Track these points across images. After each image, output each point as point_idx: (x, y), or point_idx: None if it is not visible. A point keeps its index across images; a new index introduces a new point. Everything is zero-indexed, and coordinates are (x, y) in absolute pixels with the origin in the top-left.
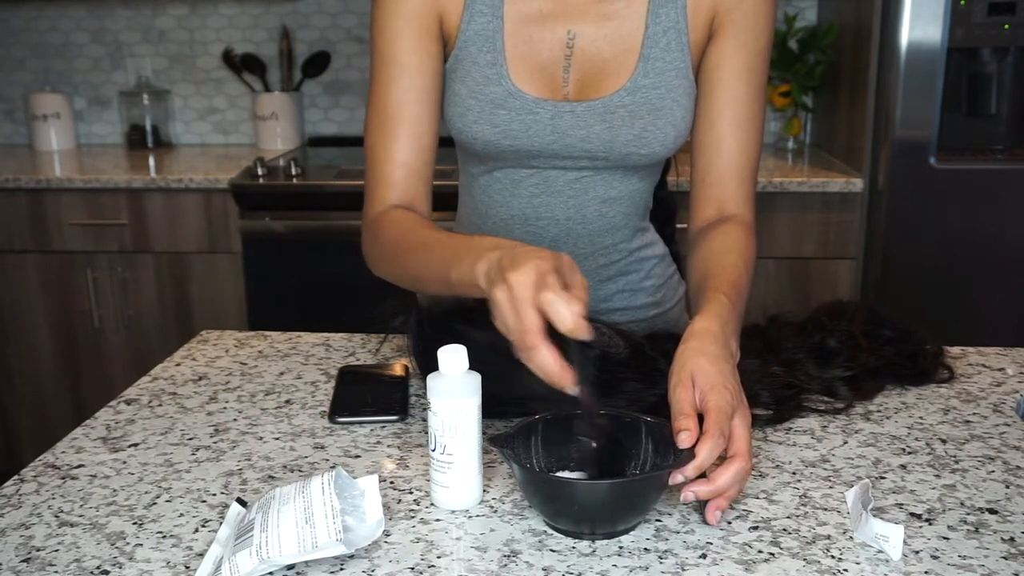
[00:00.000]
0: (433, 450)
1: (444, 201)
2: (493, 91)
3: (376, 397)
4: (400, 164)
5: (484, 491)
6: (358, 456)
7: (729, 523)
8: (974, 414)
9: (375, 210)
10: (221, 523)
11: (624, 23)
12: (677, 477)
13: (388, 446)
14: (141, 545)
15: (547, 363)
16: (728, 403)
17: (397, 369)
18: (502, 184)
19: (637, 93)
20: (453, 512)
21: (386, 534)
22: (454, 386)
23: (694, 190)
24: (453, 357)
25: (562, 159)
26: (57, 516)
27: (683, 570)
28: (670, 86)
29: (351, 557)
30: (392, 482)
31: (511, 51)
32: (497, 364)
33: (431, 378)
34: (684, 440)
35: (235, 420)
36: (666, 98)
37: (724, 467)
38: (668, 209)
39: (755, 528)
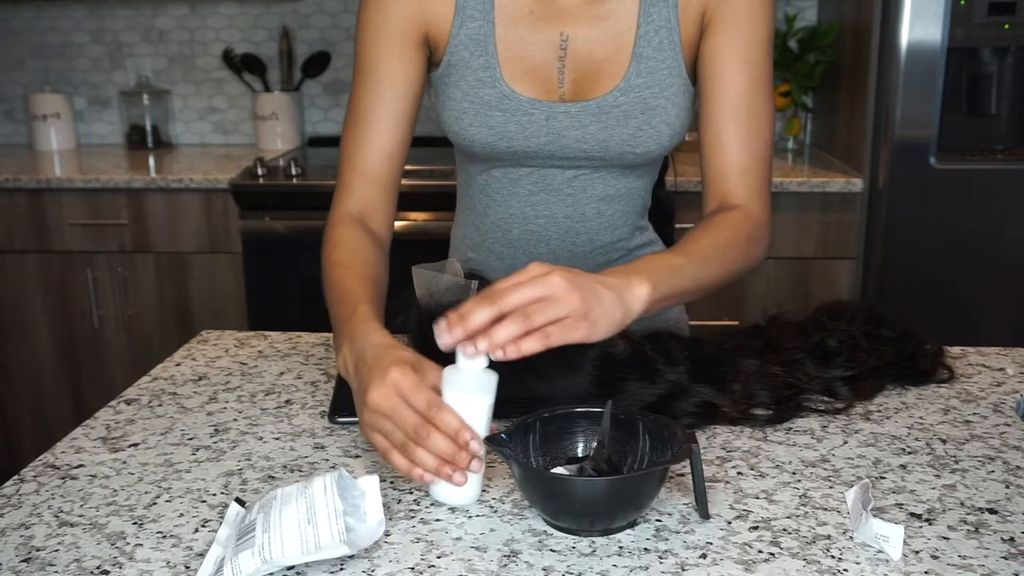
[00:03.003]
0: None
1: (444, 201)
2: (487, 93)
3: None
4: (361, 173)
5: (484, 491)
6: (358, 456)
7: (729, 523)
8: (974, 414)
9: (333, 217)
10: (221, 523)
11: (616, 23)
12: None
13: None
14: (141, 545)
15: (453, 424)
16: (532, 269)
17: None
18: (500, 183)
19: (630, 93)
20: (453, 512)
21: (386, 534)
22: (469, 381)
23: (703, 189)
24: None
25: (559, 159)
26: (57, 516)
27: (683, 570)
28: (663, 85)
29: (351, 557)
30: (392, 482)
31: (503, 54)
32: (497, 365)
33: (448, 370)
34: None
35: (235, 420)
36: (659, 96)
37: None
38: (667, 209)
39: (755, 528)
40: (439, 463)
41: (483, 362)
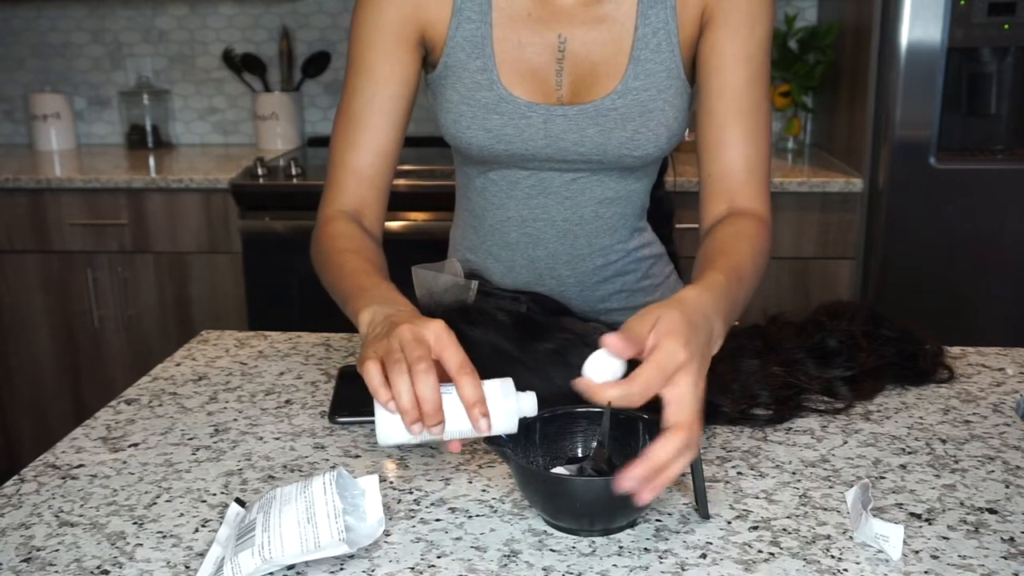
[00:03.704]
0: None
1: (443, 201)
2: (485, 96)
3: None
4: (354, 171)
5: (483, 491)
6: (358, 456)
7: (729, 523)
8: (974, 414)
9: (325, 214)
10: (221, 523)
11: (614, 26)
12: (624, 483)
13: (388, 446)
14: (141, 545)
15: (473, 394)
16: (673, 358)
17: None
18: (498, 186)
19: (628, 95)
20: (453, 512)
21: (386, 534)
22: (512, 409)
23: (703, 188)
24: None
25: (557, 162)
26: (57, 516)
27: (683, 570)
28: (661, 87)
29: (351, 557)
30: (392, 482)
31: (501, 56)
32: (498, 365)
33: (508, 380)
34: (610, 342)
35: (235, 420)
36: (657, 99)
37: (661, 440)
38: (665, 209)
39: (755, 528)
40: (412, 404)
41: (535, 410)
